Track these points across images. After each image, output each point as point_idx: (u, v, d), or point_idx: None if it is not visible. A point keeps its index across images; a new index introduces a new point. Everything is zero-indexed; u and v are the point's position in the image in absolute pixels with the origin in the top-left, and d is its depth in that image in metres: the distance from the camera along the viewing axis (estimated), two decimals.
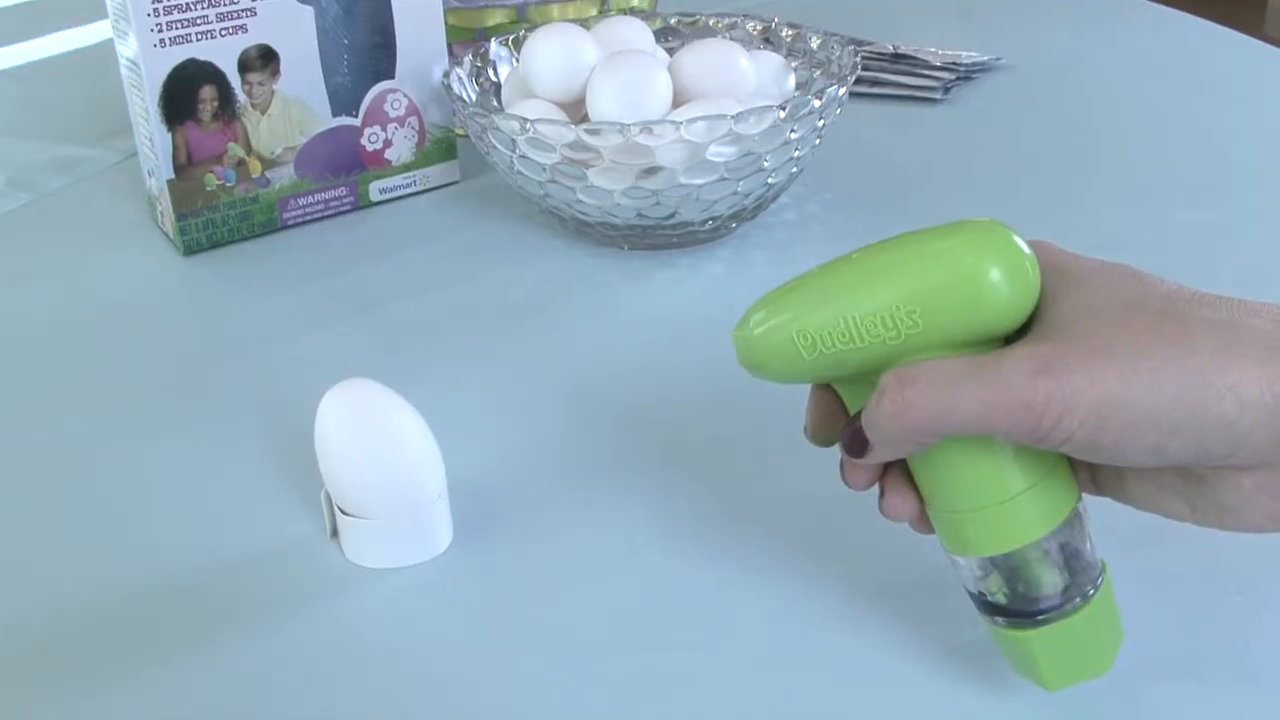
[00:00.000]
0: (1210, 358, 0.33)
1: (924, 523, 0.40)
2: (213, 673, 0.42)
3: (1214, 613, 0.43)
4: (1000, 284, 0.35)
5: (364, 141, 0.76)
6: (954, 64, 0.94)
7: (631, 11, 0.84)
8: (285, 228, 0.75)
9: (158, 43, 0.67)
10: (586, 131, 0.61)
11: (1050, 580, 0.38)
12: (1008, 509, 0.37)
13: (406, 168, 0.78)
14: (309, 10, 0.71)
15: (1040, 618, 0.38)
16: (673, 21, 0.79)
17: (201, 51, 0.68)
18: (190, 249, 0.72)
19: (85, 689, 0.42)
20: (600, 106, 0.66)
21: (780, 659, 0.42)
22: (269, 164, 0.73)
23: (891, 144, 0.84)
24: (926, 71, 0.93)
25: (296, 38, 0.71)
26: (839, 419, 0.40)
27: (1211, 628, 0.43)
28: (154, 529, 0.50)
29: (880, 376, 0.37)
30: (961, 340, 0.36)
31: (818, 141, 0.67)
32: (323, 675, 0.42)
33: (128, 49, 0.68)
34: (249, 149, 0.72)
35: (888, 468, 0.40)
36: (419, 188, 0.79)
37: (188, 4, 0.67)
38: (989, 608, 0.39)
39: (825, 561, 0.46)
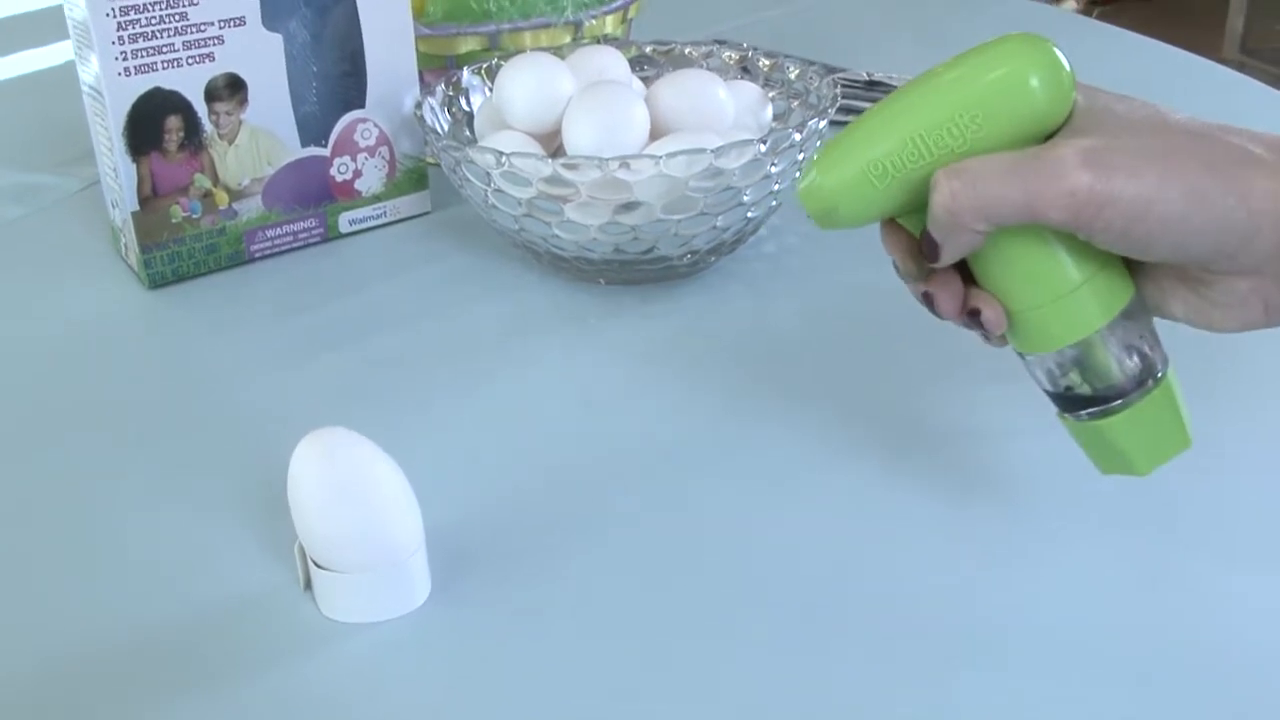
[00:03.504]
0: (1231, 170, 0.38)
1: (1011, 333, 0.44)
2: None
3: None
4: (1042, 87, 0.40)
5: (333, 172, 0.74)
6: None
7: (605, 39, 0.83)
8: (253, 260, 0.73)
9: (122, 71, 0.65)
10: (564, 166, 0.60)
11: (1125, 364, 0.42)
12: (1075, 298, 0.42)
13: (377, 198, 0.76)
14: (277, 38, 0.69)
15: (1122, 401, 0.43)
16: (648, 50, 0.77)
17: (167, 80, 0.67)
18: (155, 283, 0.70)
19: None
20: (577, 140, 0.64)
21: (770, 708, 0.41)
22: (236, 195, 0.71)
23: None
24: None
25: (265, 66, 0.69)
26: (912, 246, 0.44)
27: None
28: (114, 579, 0.48)
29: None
30: (1011, 140, 0.41)
31: (798, 174, 0.66)
32: None
33: (89, 74, 0.67)
34: (215, 180, 0.70)
35: (970, 289, 0.44)
36: (390, 219, 0.77)
37: (153, 31, 0.65)
38: (1072, 403, 0.44)
39: (807, 614, 0.45)
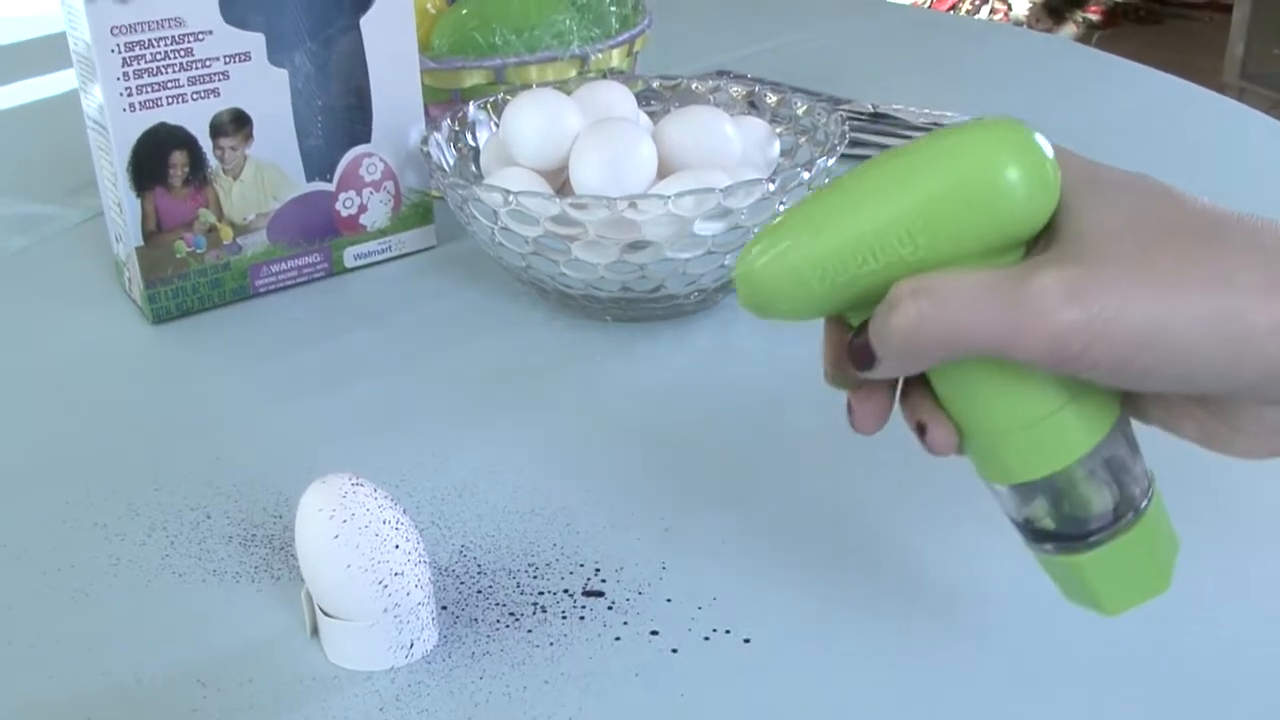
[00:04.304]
0: (1251, 293, 0.32)
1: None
2: None
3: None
4: (1018, 184, 0.34)
5: (338, 206, 0.74)
6: (935, 124, 0.94)
7: (611, 73, 0.83)
8: (257, 295, 0.73)
9: (127, 106, 0.65)
10: (572, 205, 0.60)
11: (1100, 498, 0.36)
12: (1048, 426, 0.35)
13: (382, 233, 0.76)
14: (283, 73, 0.69)
15: (1093, 539, 0.36)
16: (654, 85, 0.77)
17: (172, 116, 0.66)
18: (159, 318, 0.70)
19: None
20: (584, 178, 0.64)
21: None
22: (241, 230, 0.71)
23: None
24: (907, 132, 0.92)
25: (270, 101, 0.69)
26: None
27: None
28: (116, 621, 0.47)
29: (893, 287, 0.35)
30: (981, 249, 0.34)
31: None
32: None
33: (93, 107, 0.66)
34: (220, 215, 0.70)
35: (921, 398, 0.38)
36: (395, 253, 0.77)
37: (158, 67, 0.65)
38: (1036, 535, 0.38)
39: (825, 642, 0.44)
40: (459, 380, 0.64)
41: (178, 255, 0.69)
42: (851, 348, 0.37)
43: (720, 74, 1.02)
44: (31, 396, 0.64)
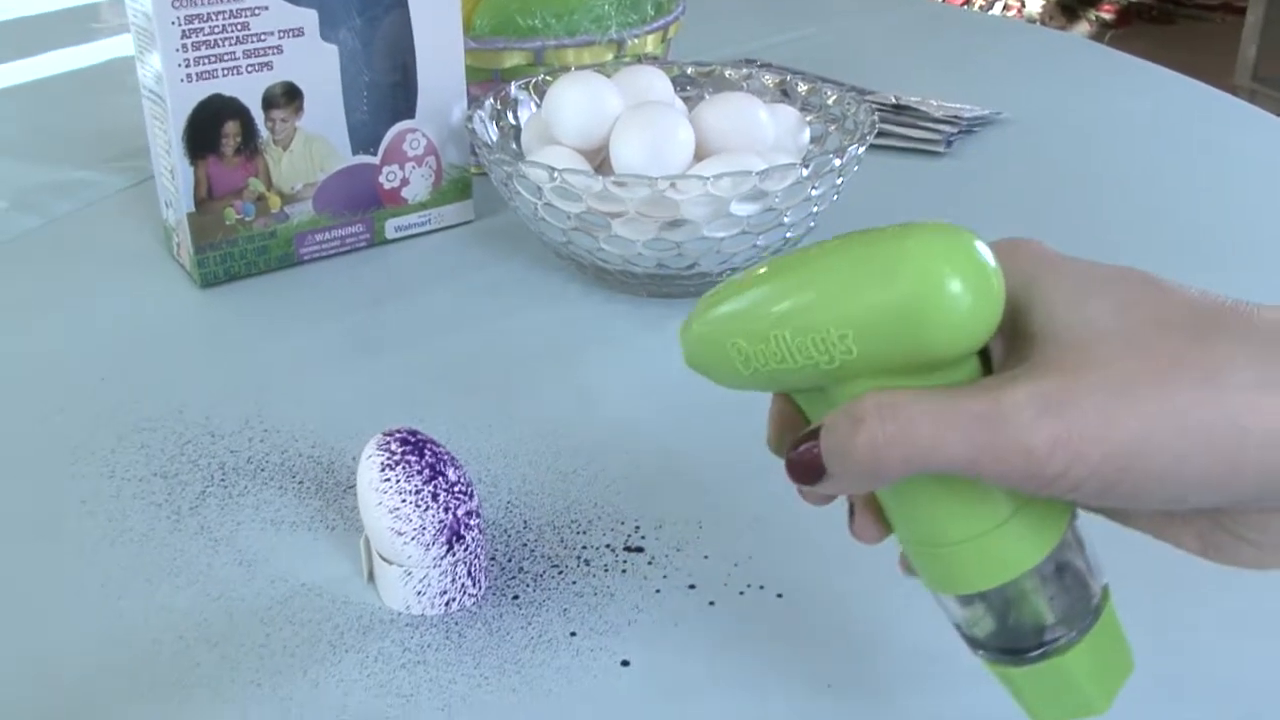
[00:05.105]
0: (1245, 397, 0.29)
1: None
2: (254, 708, 0.43)
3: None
4: (951, 306, 0.30)
5: (382, 179, 0.76)
6: (955, 117, 0.96)
7: (646, 57, 0.85)
8: (301, 263, 0.75)
9: (184, 77, 0.67)
10: (614, 184, 0.62)
11: (1042, 613, 0.33)
12: (993, 539, 0.32)
13: (422, 206, 0.79)
14: (333, 49, 0.71)
15: (1031, 655, 0.34)
16: (689, 71, 0.80)
17: (227, 87, 0.69)
18: (208, 282, 0.72)
19: None
20: (626, 157, 0.67)
21: None
22: (288, 199, 0.73)
23: (898, 196, 0.86)
24: (928, 124, 0.95)
25: (321, 75, 0.71)
26: (799, 428, 0.35)
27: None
28: (180, 564, 0.50)
29: (840, 392, 0.32)
30: (907, 367, 0.31)
31: (835, 197, 0.68)
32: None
33: (150, 76, 0.69)
34: (269, 184, 0.72)
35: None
36: (434, 226, 0.80)
37: (216, 40, 0.67)
38: (973, 642, 0.35)
39: (859, 609, 0.47)
40: (499, 348, 0.67)
41: (227, 222, 0.72)
42: (793, 460, 0.33)
43: (748, 62, 1.04)
44: (86, 356, 0.66)
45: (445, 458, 0.47)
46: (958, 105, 0.99)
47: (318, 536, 0.52)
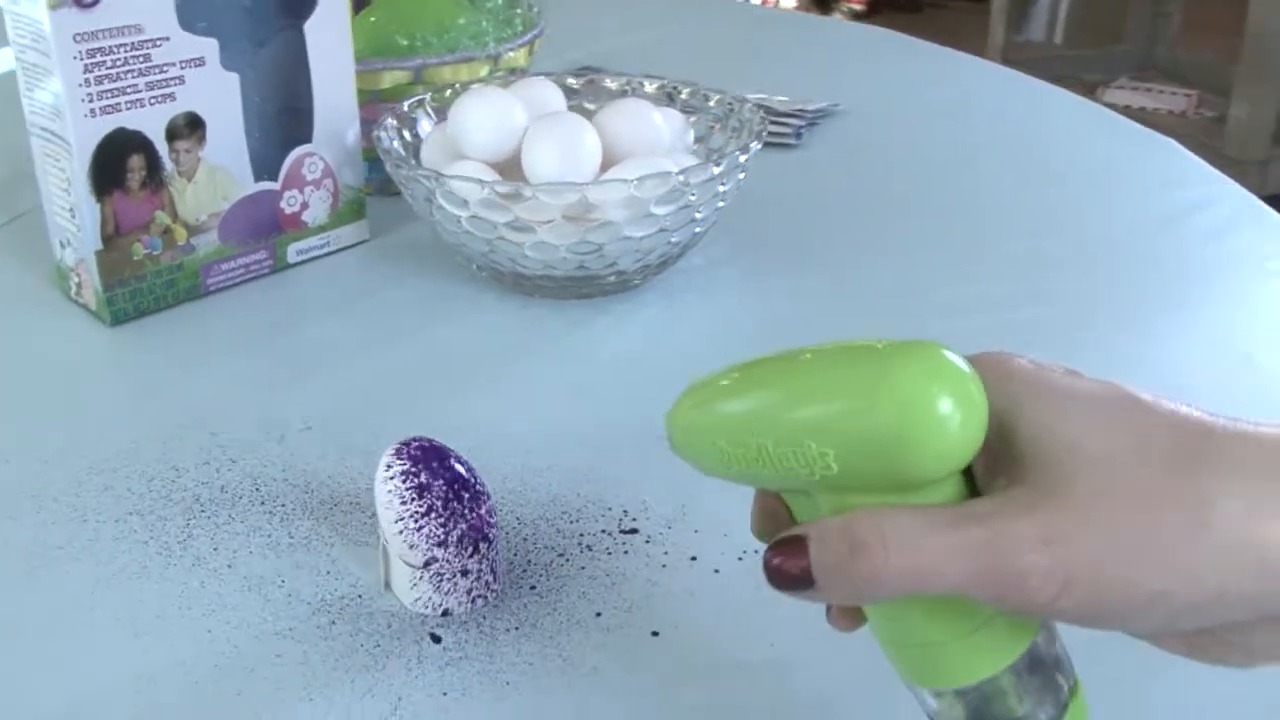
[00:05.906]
0: (1232, 526, 0.30)
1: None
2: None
3: None
4: (934, 435, 0.31)
5: (283, 204, 0.77)
6: (801, 111, 1.02)
7: (517, 71, 0.88)
8: (207, 294, 0.75)
9: (88, 112, 0.66)
10: (543, 192, 0.65)
11: (1014, 706, 0.34)
12: (972, 640, 0.33)
13: (321, 229, 0.79)
14: (234, 78, 0.72)
15: None
16: (570, 82, 0.83)
17: (130, 120, 0.68)
18: (118, 319, 0.71)
19: None
20: (540, 166, 0.70)
21: None
22: (194, 231, 0.73)
23: (767, 187, 0.91)
24: (777, 119, 1.01)
25: (223, 104, 0.72)
26: (784, 521, 0.36)
27: None
28: (189, 602, 0.50)
29: (826, 500, 0.33)
30: (890, 485, 0.32)
31: (736, 192, 0.73)
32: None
33: (42, 114, 0.67)
34: (175, 216, 0.72)
35: None
36: (332, 248, 0.80)
37: (118, 73, 0.67)
38: None
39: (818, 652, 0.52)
40: (429, 362, 0.68)
41: (135, 257, 0.71)
42: (778, 569, 0.33)
43: (589, 69, 1.08)
44: (7, 405, 0.65)
45: (462, 461, 0.49)
46: (797, 100, 1.05)
47: (317, 553, 0.53)
